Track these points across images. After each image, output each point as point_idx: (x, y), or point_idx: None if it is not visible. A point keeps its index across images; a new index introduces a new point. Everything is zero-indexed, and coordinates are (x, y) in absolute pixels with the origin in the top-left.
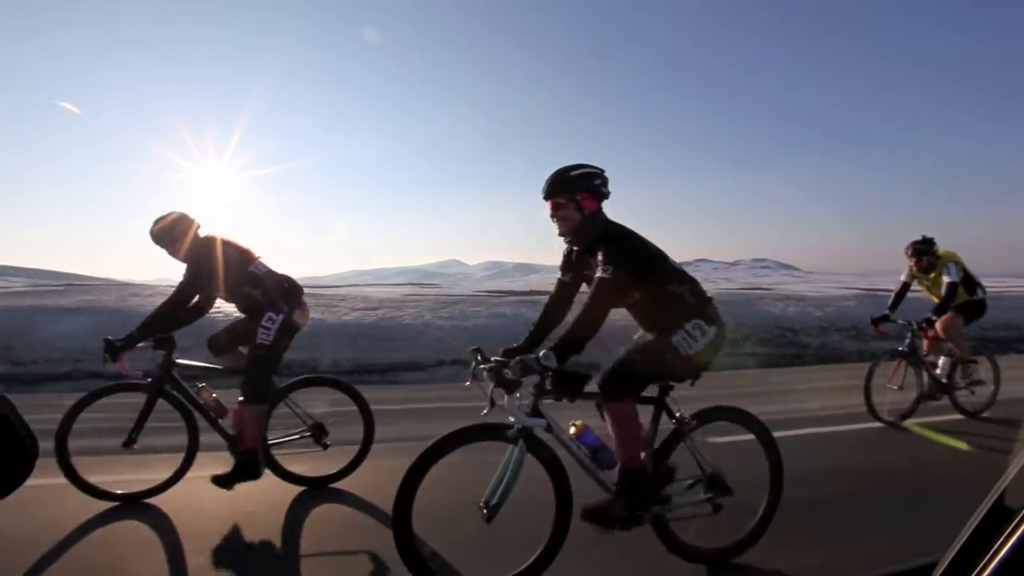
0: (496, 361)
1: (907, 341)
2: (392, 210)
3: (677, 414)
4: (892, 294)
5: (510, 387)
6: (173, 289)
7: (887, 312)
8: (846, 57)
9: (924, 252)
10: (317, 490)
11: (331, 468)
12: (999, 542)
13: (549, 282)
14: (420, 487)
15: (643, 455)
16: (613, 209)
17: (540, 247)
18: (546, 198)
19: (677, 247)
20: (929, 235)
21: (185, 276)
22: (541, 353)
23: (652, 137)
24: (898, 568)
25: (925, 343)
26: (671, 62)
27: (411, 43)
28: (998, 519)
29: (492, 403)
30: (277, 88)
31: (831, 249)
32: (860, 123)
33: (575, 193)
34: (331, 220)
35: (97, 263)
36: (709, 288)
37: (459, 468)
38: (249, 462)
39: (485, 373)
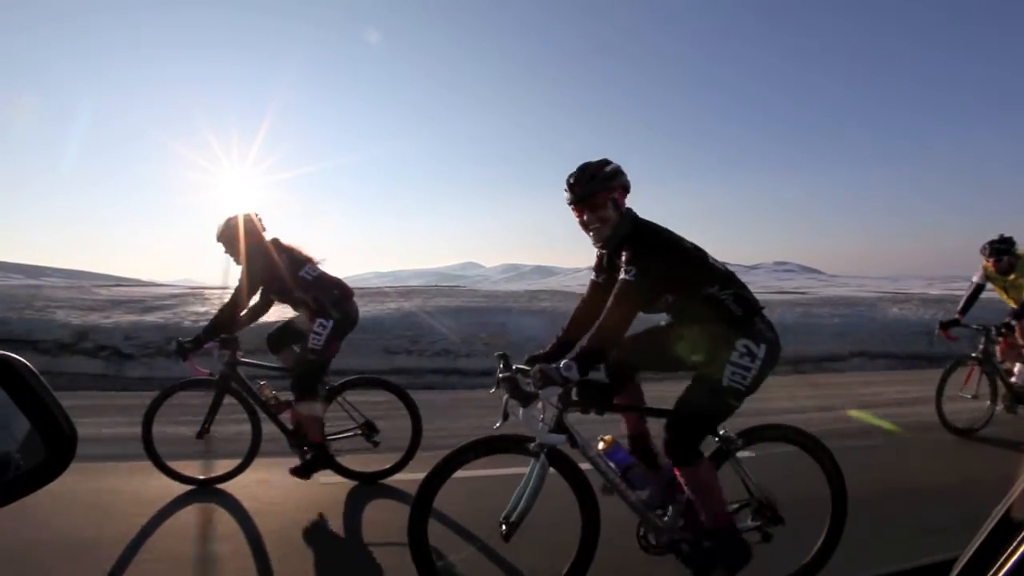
0: (517, 369)
1: (980, 347)
2: (409, 213)
3: (721, 432)
4: (963, 297)
5: (526, 399)
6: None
7: (957, 316)
8: (872, 70)
9: (1004, 252)
10: (369, 485)
11: (382, 464)
12: (1005, 555)
13: (567, 284)
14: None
15: (728, 511)
16: (634, 208)
17: (557, 249)
18: (580, 200)
19: None
20: (1008, 235)
21: (241, 279)
22: (562, 363)
23: (668, 140)
24: (913, 565)
25: (999, 350)
26: (689, 68)
27: (427, 47)
28: (1005, 532)
29: (505, 416)
30: (298, 93)
31: (853, 252)
32: (874, 133)
33: (612, 190)
34: (348, 222)
35: (122, 264)
36: None
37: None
38: (318, 456)
39: (501, 383)
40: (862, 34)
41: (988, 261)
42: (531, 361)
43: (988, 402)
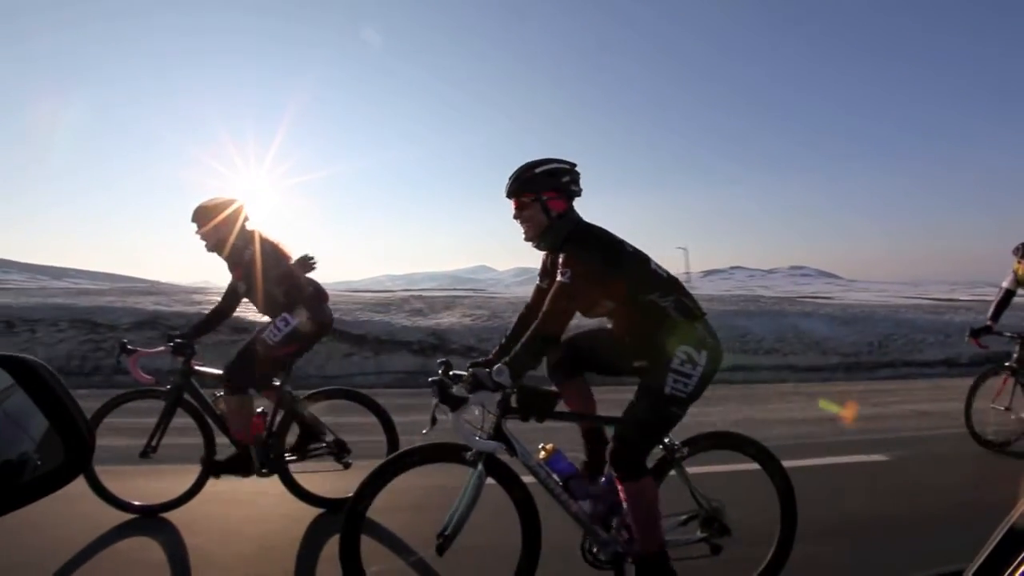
0: (453, 375)
1: (1015, 355)
2: (420, 215)
3: (666, 440)
4: (993, 303)
5: (454, 404)
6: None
7: (988, 323)
8: (887, 70)
9: None
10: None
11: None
12: (1012, 567)
13: None
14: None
15: (663, 533)
16: (648, 213)
17: None
18: (509, 197)
19: (711, 254)
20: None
21: (233, 274)
22: (495, 368)
23: (677, 139)
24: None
25: None
26: (699, 65)
27: (436, 50)
28: (1012, 544)
29: (433, 421)
30: (310, 98)
31: (870, 257)
32: (892, 133)
33: (540, 192)
34: (363, 225)
35: (139, 266)
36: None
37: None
38: (239, 456)
39: (430, 386)
40: (880, 29)
41: (1021, 263)
42: (473, 367)
43: (1022, 415)
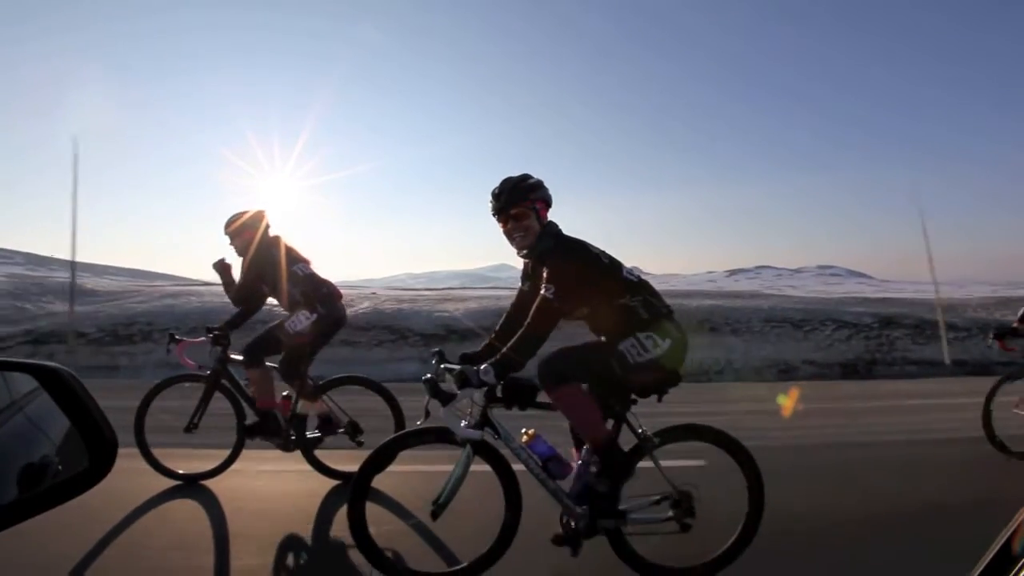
0: (446, 368)
1: None
2: (442, 214)
3: (639, 430)
4: None
5: (444, 399)
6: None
7: (1015, 325)
8: (919, 67)
9: None
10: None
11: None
12: (1019, 566)
13: None
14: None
15: (605, 427)
16: (669, 211)
17: None
18: (504, 208)
19: (736, 253)
20: None
21: (249, 275)
22: (482, 367)
23: (703, 137)
24: None
25: None
26: (725, 59)
27: (459, 48)
28: (1003, 565)
29: (427, 414)
30: (340, 96)
31: (903, 257)
32: (926, 131)
33: (534, 202)
34: (384, 224)
35: (168, 263)
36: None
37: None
38: (264, 418)
39: (423, 384)
40: (913, 24)
41: None
42: (464, 358)
43: None
